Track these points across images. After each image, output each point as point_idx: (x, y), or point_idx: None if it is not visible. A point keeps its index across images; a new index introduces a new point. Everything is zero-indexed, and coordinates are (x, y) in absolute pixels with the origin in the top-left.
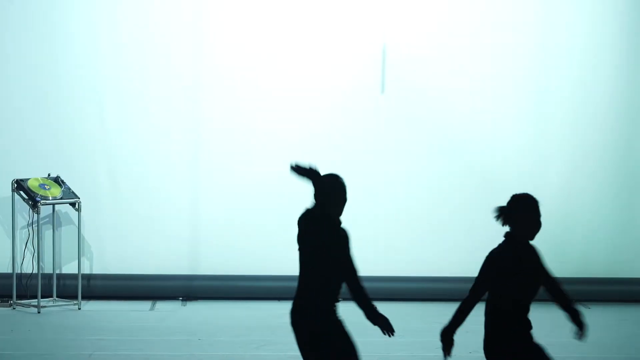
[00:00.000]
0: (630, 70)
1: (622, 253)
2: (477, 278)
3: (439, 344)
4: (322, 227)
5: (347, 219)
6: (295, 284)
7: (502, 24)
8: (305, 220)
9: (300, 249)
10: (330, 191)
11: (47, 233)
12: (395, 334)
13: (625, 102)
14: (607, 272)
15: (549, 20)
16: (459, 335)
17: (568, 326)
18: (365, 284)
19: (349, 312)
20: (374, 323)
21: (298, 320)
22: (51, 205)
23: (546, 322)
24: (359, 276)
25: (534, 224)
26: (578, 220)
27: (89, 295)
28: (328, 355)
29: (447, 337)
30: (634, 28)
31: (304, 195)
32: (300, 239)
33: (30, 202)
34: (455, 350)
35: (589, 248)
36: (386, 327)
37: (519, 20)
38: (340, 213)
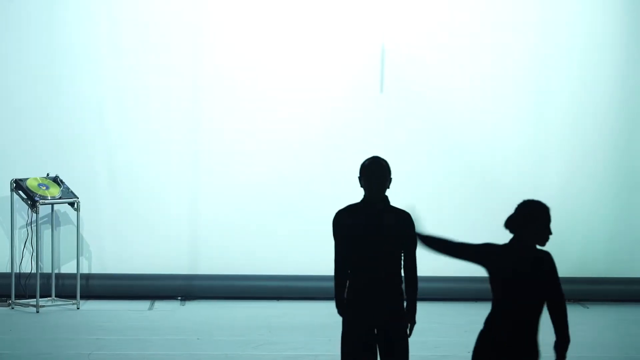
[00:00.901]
0: (630, 71)
1: (621, 252)
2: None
3: (438, 344)
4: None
5: None
6: (292, 283)
7: (502, 24)
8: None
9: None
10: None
11: (46, 233)
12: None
13: (625, 102)
14: (606, 272)
15: (549, 20)
16: (458, 335)
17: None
18: None
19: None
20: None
21: None
22: (50, 205)
23: (542, 323)
24: None
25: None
26: (577, 219)
27: (88, 295)
28: None
29: None
30: (634, 28)
31: (303, 194)
32: None
33: (29, 202)
34: (454, 350)
35: (588, 247)
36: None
37: (518, 20)
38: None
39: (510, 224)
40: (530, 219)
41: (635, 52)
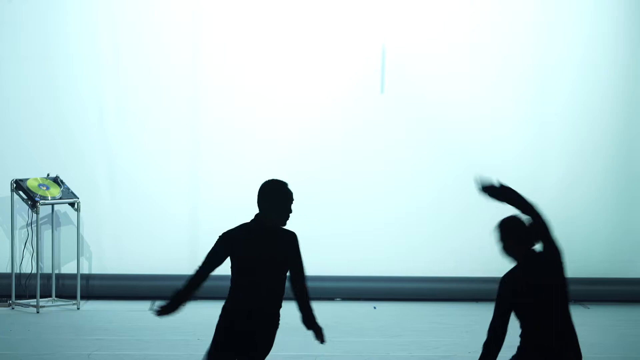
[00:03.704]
0: (630, 73)
1: (622, 253)
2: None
3: (438, 344)
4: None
5: (347, 220)
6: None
7: (503, 25)
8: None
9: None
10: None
11: (46, 233)
12: (325, 343)
13: (625, 103)
14: (607, 272)
15: (550, 21)
16: (458, 336)
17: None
18: (365, 284)
19: (347, 313)
20: (309, 328)
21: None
22: (50, 205)
23: None
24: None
25: None
26: (579, 220)
27: (88, 295)
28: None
29: None
30: (634, 33)
31: (303, 195)
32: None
33: (30, 202)
34: (454, 351)
35: (590, 248)
36: (319, 336)
37: (519, 22)
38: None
39: None
40: None
41: (636, 55)
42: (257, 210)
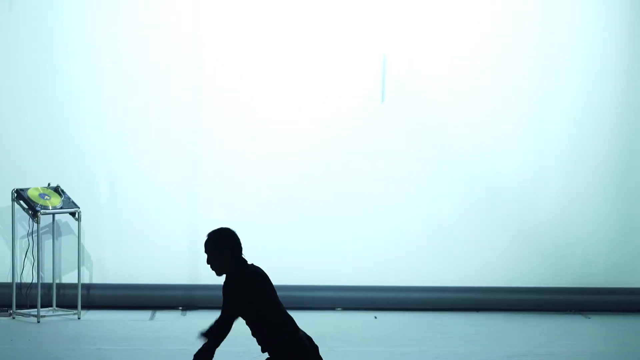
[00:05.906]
0: (631, 86)
1: (623, 263)
2: None
3: (439, 354)
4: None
5: (347, 230)
6: (291, 293)
7: (504, 35)
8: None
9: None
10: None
11: (47, 242)
12: None
13: (626, 114)
14: (607, 282)
15: (553, 34)
16: (458, 345)
17: (565, 337)
18: (370, 294)
19: (347, 323)
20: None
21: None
22: (51, 215)
23: (543, 333)
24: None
25: None
26: (578, 230)
27: (89, 305)
28: None
29: None
30: (636, 47)
31: (303, 205)
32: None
33: (30, 212)
34: None
35: (590, 258)
36: None
37: (521, 32)
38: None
39: None
40: None
41: (637, 66)
42: (261, 219)
